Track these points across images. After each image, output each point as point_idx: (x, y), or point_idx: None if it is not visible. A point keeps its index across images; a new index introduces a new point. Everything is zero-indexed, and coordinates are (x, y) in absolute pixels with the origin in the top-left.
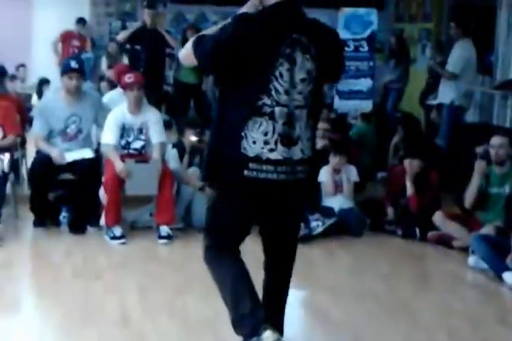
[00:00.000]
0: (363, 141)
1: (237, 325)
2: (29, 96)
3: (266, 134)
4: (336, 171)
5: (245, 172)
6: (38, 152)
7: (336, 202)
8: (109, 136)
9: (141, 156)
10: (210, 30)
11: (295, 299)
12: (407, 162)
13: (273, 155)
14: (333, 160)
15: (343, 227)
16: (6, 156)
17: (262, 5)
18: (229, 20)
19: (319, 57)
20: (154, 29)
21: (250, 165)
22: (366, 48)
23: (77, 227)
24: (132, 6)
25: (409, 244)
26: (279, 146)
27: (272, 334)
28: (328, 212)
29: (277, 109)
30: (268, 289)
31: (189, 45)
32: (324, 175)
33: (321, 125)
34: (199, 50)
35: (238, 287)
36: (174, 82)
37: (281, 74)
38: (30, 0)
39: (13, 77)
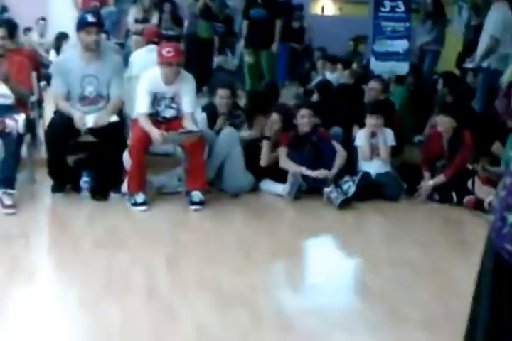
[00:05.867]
0: (398, 104)
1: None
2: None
3: None
4: (373, 135)
5: None
6: (57, 112)
7: (373, 167)
8: (142, 105)
9: (169, 124)
10: None
11: (330, 263)
12: (439, 118)
13: None
14: (370, 121)
15: (379, 192)
16: (22, 116)
17: None
18: None
19: None
20: None
21: None
22: (403, 9)
23: (100, 193)
24: None
25: (445, 208)
26: None
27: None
28: (364, 176)
29: None
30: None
31: None
32: (360, 138)
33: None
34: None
35: None
36: (189, 37)
37: None
38: None
39: (28, 30)
